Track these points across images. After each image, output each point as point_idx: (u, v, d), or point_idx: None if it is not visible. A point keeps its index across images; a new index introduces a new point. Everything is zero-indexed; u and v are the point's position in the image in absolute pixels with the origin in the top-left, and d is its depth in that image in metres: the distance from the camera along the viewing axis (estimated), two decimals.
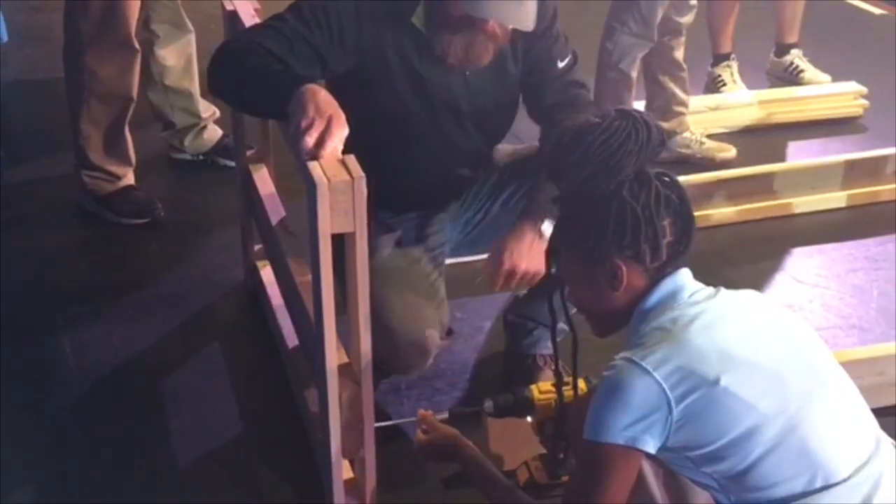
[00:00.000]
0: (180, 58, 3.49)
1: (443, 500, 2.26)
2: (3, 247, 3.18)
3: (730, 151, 3.72)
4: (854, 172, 3.47)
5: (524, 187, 2.40)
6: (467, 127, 2.34)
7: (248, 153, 2.86)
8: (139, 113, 3.40)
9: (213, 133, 3.66)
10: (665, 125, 3.45)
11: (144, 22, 3.38)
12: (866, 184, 3.48)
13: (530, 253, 2.24)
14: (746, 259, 3.19)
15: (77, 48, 3.19)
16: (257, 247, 2.90)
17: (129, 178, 3.36)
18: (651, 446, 1.65)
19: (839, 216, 3.42)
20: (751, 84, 4.22)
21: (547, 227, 2.24)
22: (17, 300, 2.96)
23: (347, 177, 1.79)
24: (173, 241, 3.26)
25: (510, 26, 2.19)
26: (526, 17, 2.17)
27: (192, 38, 3.51)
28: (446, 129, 2.32)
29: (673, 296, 1.75)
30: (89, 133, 3.26)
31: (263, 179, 2.76)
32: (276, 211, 2.59)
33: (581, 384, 2.14)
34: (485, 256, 2.34)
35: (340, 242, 1.85)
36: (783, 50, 4.36)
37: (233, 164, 3.24)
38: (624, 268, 1.74)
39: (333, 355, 1.94)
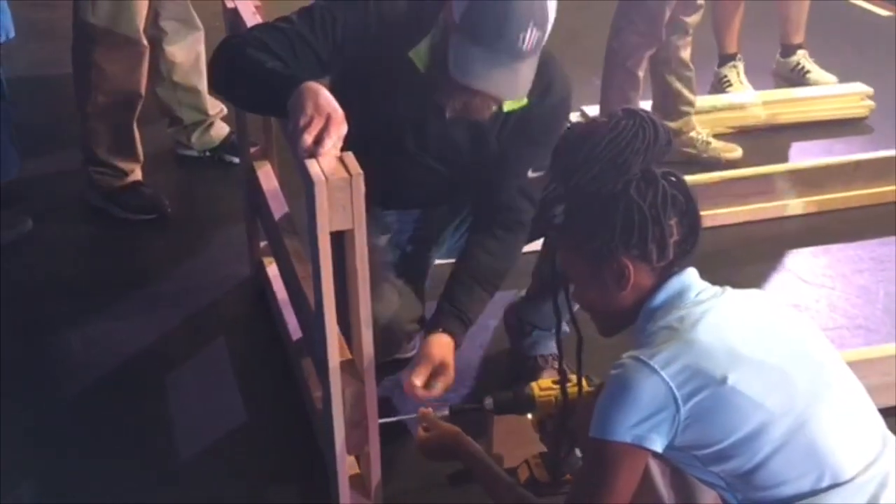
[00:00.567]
0: (189, 55, 3.50)
1: (448, 496, 2.26)
2: (10, 242, 3.18)
3: (736, 151, 3.72)
4: (860, 173, 3.47)
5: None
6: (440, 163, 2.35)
7: (252, 150, 2.86)
8: (146, 109, 3.41)
9: (220, 129, 3.66)
10: (671, 125, 3.44)
11: (153, 19, 3.39)
12: (872, 184, 3.47)
13: (444, 367, 2.21)
14: (752, 259, 3.19)
15: (86, 45, 3.20)
16: (263, 243, 2.91)
17: (137, 174, 3.37)
18: (658, 445, 1.65)
19: (845, 217, 3.42)
20: (756, 84, 4.21)
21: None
22: (23, 295, 2.97)
23: (345, 174, 1.79)
24: (180, 236, 3.27)
25: (498, 95, 2.14)
26: (516, 89, 2.13)
27: (201, 35, 3.52)
28: (426, 154, 2.33)
29: (680, 295, 1.75)
30: (97, 129, 3.27)
31: (267, 176, 2.77)
32: (279, 207, 2.60)
33: (584, 383, 2.14)
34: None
35: (338, 238, 1.85)
36: (789, 50, 4.36)
37: (238, 160, 3.25)
38: (631, 267, 1.74)
39: (335, 352, 1.95)
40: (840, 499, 1.64)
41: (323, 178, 1.77)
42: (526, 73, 2.11)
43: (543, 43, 2.09)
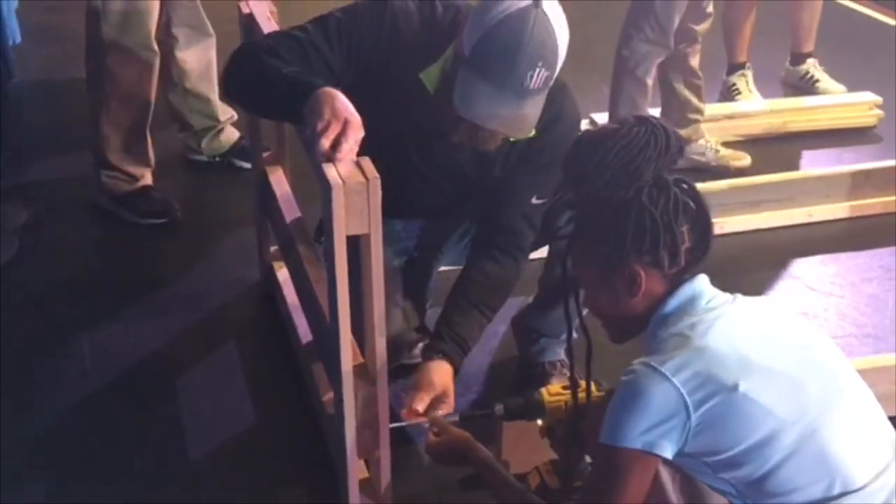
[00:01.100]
0: (200, 61, 3.52)
1: (457, 501, 2.26)
2: (20, 245, 3.19)
3: (745, 159, 3.73)
4: (869, 182, 3.47)
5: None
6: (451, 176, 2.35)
7: (265, 155, 2.88)
8: (156, 114, 3.42)
9: (230, 135, 3.68)
10: (680, 132, 3.44)
11: (165, 25, 3.41)
12: (881, 193, 3.48)
13: (437, 391, 2.20)
14: (760, 267, 3.19)
15: (98, 50, 3.22)
16: (273, 247, 2.92)
17: (147, 179, 3.38)
18: (669, 451, 1.65)
19: (853, 225, 3.42)
20: (765, 93, 4.22)
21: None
22: (32, 298, 2.98)
23: (362, 178, 1.80)
24: (190, 241, 3.28)
25: (504, 132, 2.12)
26: (521, 127, 2.11)
27: (213, 42, 3.54)
28: (431, 171, 2.33)
29: (691, 302, 1.75)
30: (108, 134, 3.29)
31: (279, 181, 2.77)
32: (291, 212, 2.61)
33: (593, 388, 2.14)
34: None
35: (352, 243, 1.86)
36: (799, 59, 4.36)
37: (249, 165, 3.26)
38: (642, 274, 1.75)
39: (349, 356, 1.95)
40: None
41: (340, 182, 1.78)
42: (531, 110, 2.09)
43: (552, 81, 2.08)
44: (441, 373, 2.22)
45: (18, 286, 3.01)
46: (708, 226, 1.77)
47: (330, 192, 1.78)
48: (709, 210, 1.78)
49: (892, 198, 3.48)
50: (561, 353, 2.60)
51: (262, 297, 2.97)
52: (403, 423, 2.25)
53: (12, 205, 3.28)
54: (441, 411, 2.17)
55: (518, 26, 2.00)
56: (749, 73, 4.21)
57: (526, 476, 2.25)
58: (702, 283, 1.78)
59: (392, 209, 1.98)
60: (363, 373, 2.00)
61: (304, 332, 2.56)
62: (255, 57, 2.12)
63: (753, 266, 3.17)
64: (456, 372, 2.27)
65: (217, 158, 3.68)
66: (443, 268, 2.59)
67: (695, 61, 3.61)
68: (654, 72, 3.53)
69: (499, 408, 2.18)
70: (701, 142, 3.69)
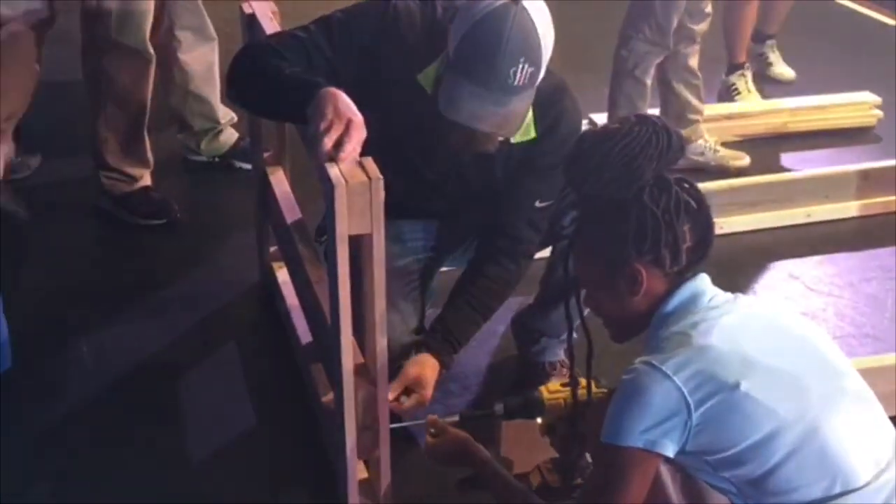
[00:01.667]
0: (202, 64, 3.52)
1: (457, 501, 2.26)
2: (20, 246, 3.19)
3: (744, 160, 3.73)
4: (868, 182, 3.48)
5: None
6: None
7: (265, 155, 2.88)
8: (157, 115, 3.42)
9: (229, 136, 3.68)
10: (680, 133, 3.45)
11: (168, 28, 3.42)
12: (880, 194, 3.48)
13: (420, 386, 2.21)
14: (759, 267, 3.19)
15: (94, 52, 3.22)
16: (273, 248, 2.92)
17: (146, 180, 3.38)
18: (670, 450, 1.66)
19: (853, 225, 3.43)
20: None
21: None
22: (34, 300, 2.98)
23: (365, 178, 1.80)
24: (189, 242, 3.28)
25: (490, 132, 2.11)
26: (508, 125, 2.10)
27: (215, 45, 3.54)
28: (432, 174, 2.33)
29: (692, 301, 1.75)
30: (106, 136, 3.29)
31: (279, 181, 2.78)
32: (291, 212, 2.61)
33: (592, 386, 2.14)
34: None
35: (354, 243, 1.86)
36: (759, 38, 4.42)
37: (248, 166, 3.26)
38: (644, 273, 1.75)
39: (349, 356, 1.95)
40: None
41: (343, 181, 1.79)
42: (518, 108, 2.08)
43: (539, 77, 2.06)
44: (419, 365, 2.22)
45: (19, 287, 3.00)
46: (709, 225, 1.78)
47: (332, 191, 1.78)
48: (710, 209, 1.78)
49: (892, 198, 3.48)
50: (561, 354, 2.60)
51: (262, 298, 2.97)
52: (403, 424, 2.25)
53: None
54: (410, 401, 2.17)
55: (497, 24, 1.99)
56: (748, 73, 4.21)
57: (527, 475, 2.26)
58: (703, 282, 1.78)
59: (395, 210, 1.99)
60: (363, 373, 2.00)
61: (304, 332, 2.56)
62: (258, 58, 2.12)
63: (752, 266, 3.17)
64: (446, 369, 2.27)
65: (216, 159, 3.68)
66: (443, 269, 2.59)
67: (693, 61, 3.61)
68: (652, 72, 3.54)
69: (498, 407, 2.18)
70: (700, 142, 3.69)
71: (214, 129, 3.63)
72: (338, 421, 2.03)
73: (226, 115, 3.64)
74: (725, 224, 3.28)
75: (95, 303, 2.97)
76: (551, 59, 2.10)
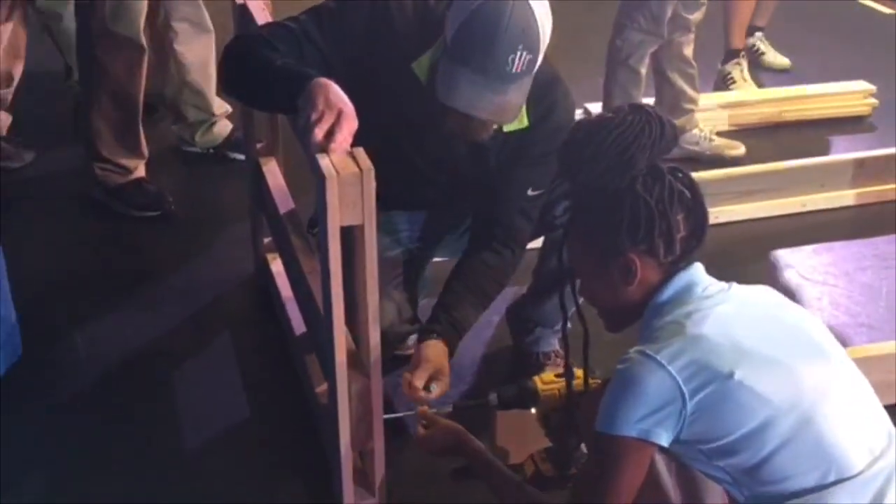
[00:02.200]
0: (198, 56, 3.51)
1: (450, 492, 2.26)
2: (14, 238, 3.18)
3: (739, 149, 3.73)
4: (863, 171, 3.48)
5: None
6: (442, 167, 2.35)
7: (258, 146, 2.87)
8: (148, 106, 3.41)
9: (223, 128, 3.67)
10: (674, 122, 3.43)
11: (165, 19, 3.41)
12: (875, 182, 3.48)
13: (434, 369, 2.19)
14: (754, 256, 3.18)
15: (88, 45, 3.21)
16: (267, 239, 2.91)
17: (141, 171, 3.38)
18: (664, 439, 1.66)
19: (848, 214, 3.43)
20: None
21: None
22: (27, 291, 2.97)
23: (356, 169, 1.80)
24: (183, 233, 3.27)
25: (487, 119, 2.11)
26: (505, 112, 2.10)
27: (212, 37, 3.53)
28: (424, 164, 2.32)
29: (687, 290, 1.75)
30: (100, 127, 3.28)
31: (273, 172, 2.77)
32: (285, 203, 2.60)
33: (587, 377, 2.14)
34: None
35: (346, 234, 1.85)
36: (748, 31, 4.42)
37: (242, 157, 3.25)
38: (638, 262, 1.74)
39: (343, 348, 1.95)
40: (846, 494, 1.64)
41: (334, 172, 1.78)
42: (515, 95, 2.08)
43: (537, 64, 2.06)
44: (436, 351, 2.21)
45: (11, 278, 2.99)
46: (703, 214, 1.77)
47: (324, 182, 1.77)
48: (704, 198, 1.78)
49: (887, 186, 3.48)
50: (555, 343, 2.60)
51: (256, 289, 2.97)
52: (397, 415, 2.25)
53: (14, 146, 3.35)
54: (438, 389, 2.16)
55: (496, 11, 1.99)
56: (744, 62, 4.22)
57: (521, 465, 2.25)
58: (697, 271, 1.78)
59: (387, 200, 1.99)
60: (357, 364, 2.00)
61: (298, 323, 2.56)
62: (248, 49, 2.11)
63: (746, 255, 3.17)
64: (451, 354, 2.26)
65: (211, 150, 3.67)
66: (436, 259, 2.59)
67: (688, 51, 3.61)
68: (647, 61, 3.53)
69: (492, 397, 2.18)
70: (695, 131, 3.69)
71: (209, 120, 3.63)
72: (331, 412, 2.03)
73: (220, 106, 3.63)
74: (720, 213, 3.28)
75: (89, 294, 2.97)
76: (545, 49, 2.09)
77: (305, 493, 2.32)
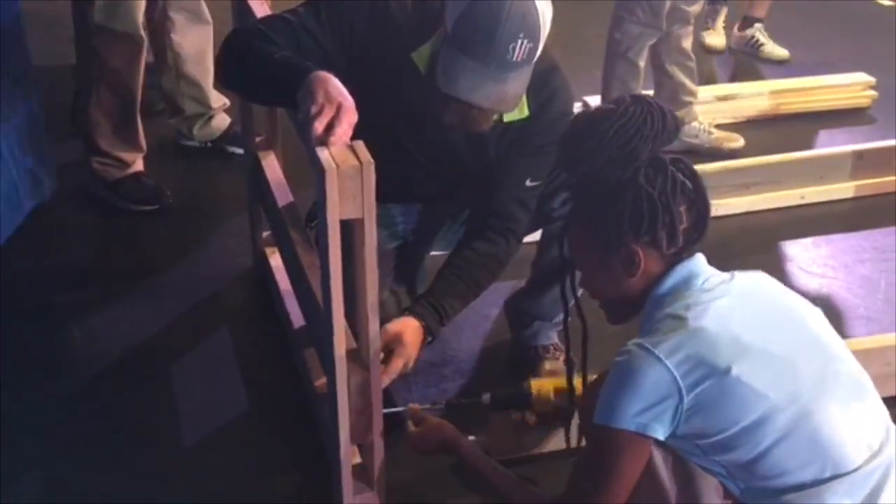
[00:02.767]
0: (195, 47, 3.50)
1: (449, 486, 2.26)
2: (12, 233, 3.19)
3: (738, 141, 3.73)
4: (862, 163, 3.47)
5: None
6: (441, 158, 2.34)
7: (257, 140, 2.86)
8: (148, 100, 3.40)
9: (222, 121, 3.66)
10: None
11: (163, 9, 3.40)
12: (874, 174, 3.48)
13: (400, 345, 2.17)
14: (753, 249, 3.19)
15: (86, 39, 3.21)
16: (266, 233, 2.91)
17: (139, 165, 3.37)
18: (660, 433, 1.66)
19: (847, 207, 3.43)
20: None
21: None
22: (24, 285, 2.97)
23: (356, 162, 1.79)
24: (182, 227, 3.27)
25: (488, 107, 2.10)
26: (506, 101, 2.09)
27: (210, 29, 3.52)
28: (423, 156, 2.32)
29: (687, 281, 1.75)
30: (98, 120, 3.27)
31: (272, 166, 2.76)
32: (284, 197, 2.60)
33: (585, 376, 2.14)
34: None
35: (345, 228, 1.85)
36: (748, 23, 4.48)
37: (241, 151, 3.24)
38: (641, 253, 1.74)
39: (342, 341, 1.95)
40: (843, 489, 1.64)
41: (334, 166, 1.77)
42: (516, 84, 2.08)
43: (537, 53, 2.06)
44: (407, 329, 2.18)
45: (8, 272, 3.00)
46: (705, 205, 1.77)
47: (323, 176, 1.77)
48: (706, 190, 1.77)
49: (886, 179, 3.48)
50: (554, 337, 2.60)
51: (255, 283, 2.97)
52: (397, 409, 2.25)
53: None
54: (392, 364, 2.13)
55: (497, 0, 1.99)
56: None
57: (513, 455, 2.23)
58: (698, 262, 1.78)
59: (387, 194, 1.98)
60: (356, 358, 1.99)
61: (297, 317, 2.55)
62: (246, 42, 2.11)
63: (745, 248, 3.17)
64: (431, 337, 2.22)
65: (209, 144, 3.67)
66: (434, 252, 2.59)
67: (687, 43, 3.60)
68: (645, 54, 3.53)
69: (486, 397, 2.18)
70: (694, 124, 3.69)
71: (206, 114, 3.62)
72: (331, 406, 2.02)
73: (218, 100, 3.62)
74: (719, 206, 3.27)
75: (86, 288, 2.97)
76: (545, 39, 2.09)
77: (304, 488, 2.32)
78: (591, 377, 2.09)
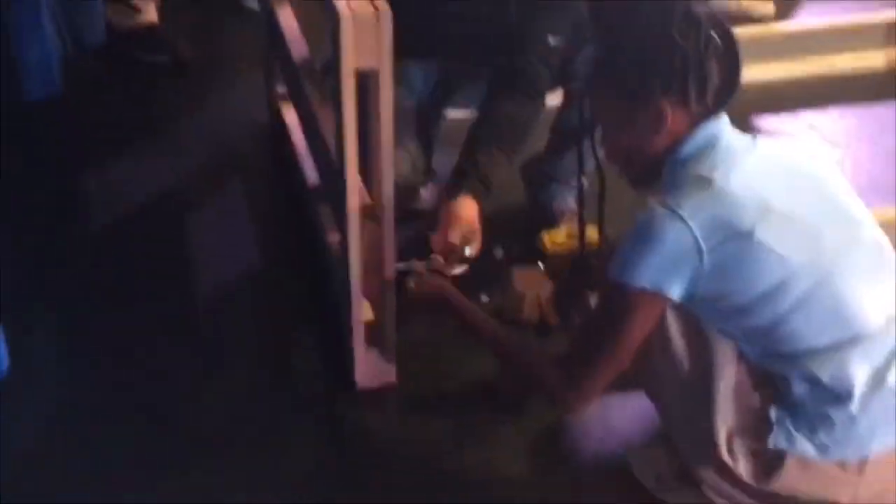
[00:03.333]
0: None
1: (458, 345, 2.26)
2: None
3: (768, 7, 3.63)
4: (894, 33, 3.38)
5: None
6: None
7: None
8: None
9: None
10: None
11: None
12: None
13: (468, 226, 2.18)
14: (778, 118, 3.13)
15: None
16: (281, 89, 2.86)
17: (153, 14, 3.30)
18: (676, 293, 1.64)
19: (877, 78, 3.34)
20: None
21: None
22: (37, 135, 2.94)
23: (372, 10, 1.74)
24: (197, 81, 3.22)
25: None
26: None
27: None
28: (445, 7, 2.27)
29: (711, 142, 1.71)
30: None
31: (287, 17, 2.69)
32: (299, 49, 2.54)
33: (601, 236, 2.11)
34: None
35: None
36: None
37: (257, 6, 3.17)
38: (669, 110, 1.69)
39: (355, 195, 1.93)
40: (859, 353, 1.65)
41: (349, 13, 1.72)
42: None
43: None
44: (468, 208, 2.19)
45: (22, 123, 2.96)
46: (737, 64, 1.72)
47: (338, 23, 1.72)
48: (739, 48, 1.72)
49: None
50: (571, 201, 2.57)
51: (270, 139, 2.93)
52: (410, 264, 2.23)
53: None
54: (473, 248, 2.15)
55: None
56: None
57: (526, 313, 2.22)
58: (722, 123, 1.73)
59: (404, 49, 1.94)
60: (370, 213, 1.98)
61: (312, 174, 2.53)
62: None
63: (771, 116, 3.11)
64: (480, 211, 2.23)
65: None
66: (452, 114, 2.54)
67: None
68: None
69: (498, 251, 2.15)
70: None
71: None
72: (343, 261, 2.01)
73: None
74: (746, 73, 3.19)
75: (101, 141, 2.94)
76: None
77: (317, 344, 2.32)
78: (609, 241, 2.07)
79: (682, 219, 1.61)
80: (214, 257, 2.56)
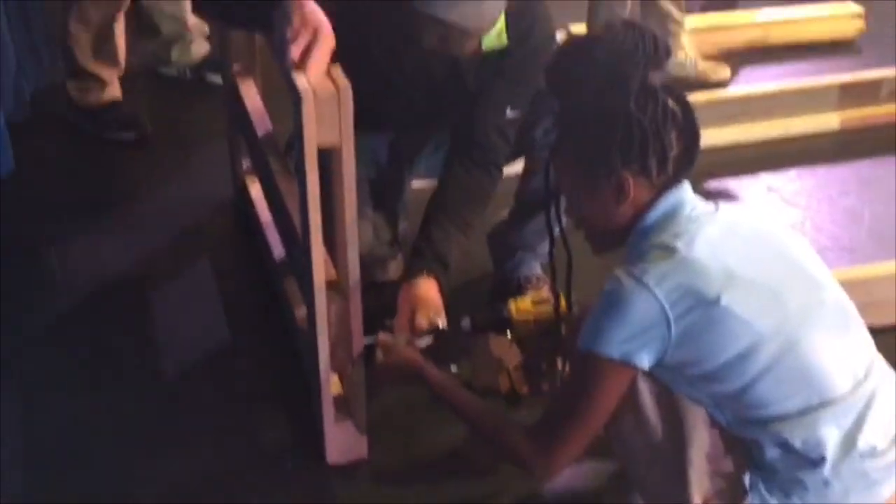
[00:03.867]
0: None
1: (429, 416, 2.25)
2: None
3: (724, 72, 3.69)
4: (848, 94, 3.44)
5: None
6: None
7: (235, 66, 2.81)
8: (126, 26, 3.33)
9: (201, 47, 3.60)
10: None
11: None
12: (861, 106, 3.45)
13: (431, 306, 2.19)
14: (738, 180, 3.17)
15: None
16: (245, 163, 2.87)
17: (116, 90, 3.30)
18: (646, 362, 1.65)
19: (832, 139, 3.40)
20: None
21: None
22: (3, 215, 2.93)
23: (333, 87, 1.76)
24: (161, 156, 3.22)
25: (464, 25, 2.07)
26: (482, 19, 2.07)
27: None
28: (401, 82, 2.29)
29: (675, 210, 1.72)
30: (78, 33, 3.20)
31: (250, 94, 2.71)
32: (263, 125, 2.56)
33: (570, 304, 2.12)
34: None
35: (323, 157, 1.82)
36: None
37: (220, 80, 3.19)
38: (630, 181, 1.71)
39: (321, 270, 1.93)
40: (829, 417, 1.65)
41: (310, 91, 1.74)
42: (492, 2, 2.05)
43: None
44: (429, 288, 2.20)
45: None
46: (696, 132, 1.74)
47: (300, 101, 1.73)
48: (696, 116, 1.74)
49: (872, 110, 3.45)
50: (536, 267, 2.59)
51: (236, 213, 2.94)
52: (372, 339, 2.23)
53: None
54: (441, 322, 2.15)
55: None
56: None
57: (496, 380, 2.22)
58: (685, 191, 1.75)
59: (364, 122, 1.96)
60: (336, 287, 1.98)
61: (278, 247, 2.53)
62: None
63: (730, 180, 3.15)
64: (441, 289, 2.24)
65: (188, 72, 3.60)
66: (416, 184, 2.56)
67: None
68: None
69: (465, 322, 2.16)
70: (681, 54, 3.63)
71: (184, 36, 3.55)
72: (311, 336, 2.01)
73: (196, 23, 3.55)
74: (704, 137, 3.24)
75: (64, 218, 2.93)
76: None
77: (285, 418, 2.31)
78: (575, 309, 2.08)
79: (648, 288, 1.62)
80: (181, 334, 2.55)
